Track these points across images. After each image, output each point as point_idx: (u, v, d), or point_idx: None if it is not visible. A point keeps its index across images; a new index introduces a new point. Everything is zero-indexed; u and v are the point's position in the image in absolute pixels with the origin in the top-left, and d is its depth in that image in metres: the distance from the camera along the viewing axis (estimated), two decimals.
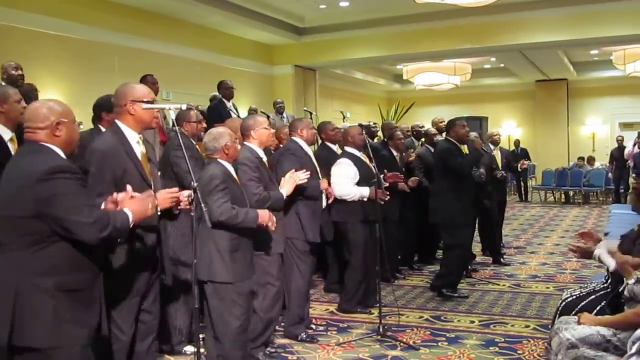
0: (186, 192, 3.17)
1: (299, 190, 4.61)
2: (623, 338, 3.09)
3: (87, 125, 4.74)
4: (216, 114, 7.67)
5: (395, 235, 6.62)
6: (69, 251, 2.53)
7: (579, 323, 3.32)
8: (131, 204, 2.68)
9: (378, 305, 5.21)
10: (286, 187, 4.40)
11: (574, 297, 3.99)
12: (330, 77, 17.40)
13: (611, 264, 3.56)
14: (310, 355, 4.69)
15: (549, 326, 4.30)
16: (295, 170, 4.52)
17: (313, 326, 5.33)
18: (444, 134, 7.86)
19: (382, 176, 5.91)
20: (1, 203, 2.54)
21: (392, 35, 13.86)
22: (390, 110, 17.23)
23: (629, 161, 14.01)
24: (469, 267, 7.27)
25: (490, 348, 4.77)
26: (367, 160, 5.65)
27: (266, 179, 4.38)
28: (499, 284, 6.92)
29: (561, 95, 19.99)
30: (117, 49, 10.28)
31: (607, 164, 16.38)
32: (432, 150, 7.45)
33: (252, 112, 9.41)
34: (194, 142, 4.76)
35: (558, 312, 3.97)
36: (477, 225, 7.99)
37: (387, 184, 5.90)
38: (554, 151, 19.35)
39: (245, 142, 4.44)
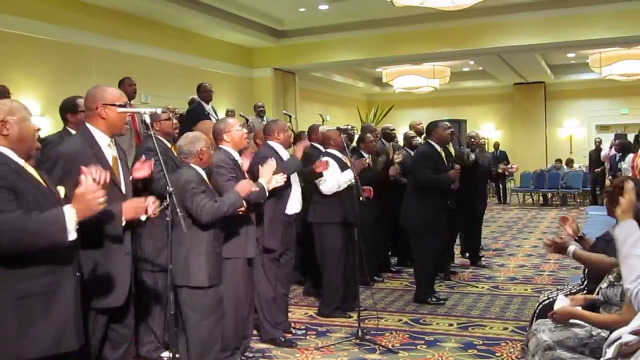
0: (151, 199, 3.07)
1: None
2: (599, 340, 3.10)
3: (58, 126, 4.69)
4: (195, 117, 7.62)
5: (372, 238, 6.60)
6: (17, 257, 2.38)
7: (552, 317, 3.32)
8: (76, 200, 2.44)
9: (357, 309, 5.20)
10: (265, 176, 4.32)
11: (551, 299, 4.01)
12: (309, 80, 17.39)
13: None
14: None
15: (527, 328, 4.32)
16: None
17: (292, 330, 5.31)
18: (422, 137, 7.91)
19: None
20: None
21: (371, 38, 13.88)
22: (370, 114, 17.26)
23: (605, 163, 14.19)
24: (449, 269, 7.30)
25: (469, 351, 4.78)
26: (347, 162, 5.65)
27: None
28: (477, 287, 6.95)
29: (539, 98, 20.18)
30: (95, 52, 10.17)
31: (586, 166, 16.55)
32: (412, 153, 7.48)
33: (229, 113, 9.38)
34: (169, 144, 4.63)
35: (535, 314, 3.99)
36: (458, 228, 8.06)
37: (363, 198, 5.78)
38: (532, 153, 19.51)
39: (219, 146, 4.42)
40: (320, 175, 5.42)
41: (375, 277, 7.16)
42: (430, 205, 6.02)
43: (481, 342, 4.96)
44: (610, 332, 2.52)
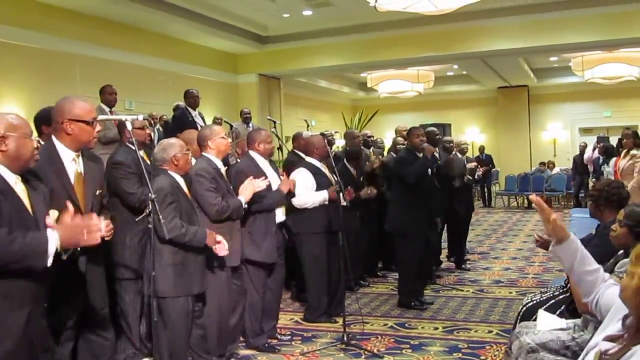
0: (104, 221, 2.65)
1: (257, 200, 4.58)
2: (582, 343, 3.13)
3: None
4: (180, 123, 7.61)
5: (357, 242, 6.61)
6: None
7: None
8: (63, 229, 2.40)
9: (342, 314, 5.20)
10: (245, 193, 4.36)
11: (535, 302, 4.04)
12: (294, 86, 17.41)
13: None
14: None
15: (511, 331, 4.34)
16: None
17: (278, 336, 5.30)
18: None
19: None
20: None
21: (355, 44, 13.93)
22: (354, 118, 17.30)
23: (589, 166, 14.30)
24: (434, 273, 7.32)
25: (454, 354, 4.79)
26: (327, 171, 5.65)
27: (224, 189, 4.35)
28: (462, 290, 6.97)
29: (522, 101, 20.33)
30: (78, 59, 10.13)
31: (569, 169, 16.67)
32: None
33: (216, 121, 9.38)
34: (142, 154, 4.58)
35: (519, 317, 4.01)
36: (445, 232, 8.10)
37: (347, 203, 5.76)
38: (516, 157, 19.64)
39: (203, 153, 4.41)
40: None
41: (361, 282, 7.17)
42: (412, 210, 6.04)
43: (466, 346, 4.98)
44: (591, 337, 2.53)
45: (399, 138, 8.21)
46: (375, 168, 7.28)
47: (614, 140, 12.72)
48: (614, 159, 9.72)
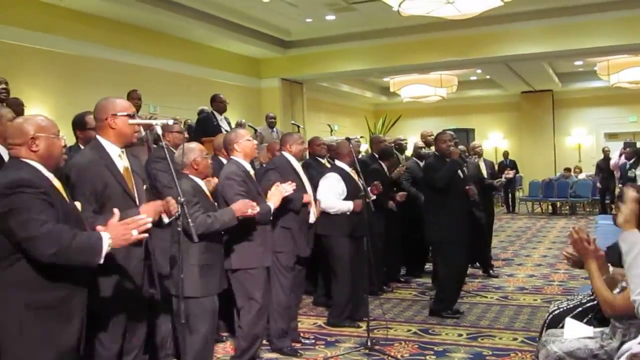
0: (169, 198, 3.10)
1: (284, 203, 4.59)
2: (610, 351, 3.08)
3: (70, 140, 4.73)
4: (204, 127, 7.66)
5: (381, 248, 6.60)
6: (36, 267, 2.48)
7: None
8: (112, 229, 2.55)
9: (366, 319, 5.19)
10: (273, 199, 4.37)
11: (561, 309, 3.99)
12: (317, 90, 17.44)
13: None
14: None
15: (537, 339, 4.30)
16: (281, 183, 4.51)
17: (301, 339, 5.30)
18: (432, 147, 7.91)
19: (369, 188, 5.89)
20: None
21: (378, 48, 13.92)
22: (378, 123, 17.27)
23: (615, 171, 14.11)
24: None
25: None
26: (355, 176, 5.66)
27: (254, 193, 4.35)
28: (486, 297, 6.91)
29: (546, 106, 20.15)
30: (104, 64, 10.27)
31: (593, 175, 16.47)
32: (420, 163, 7.50)
33: (239, 125, 9.42)
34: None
35: (545, 325, 3.96)
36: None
37: (374, 197, 5.87)
38: (540, 162, 19.46)
39: (231, 156, 4.45)
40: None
41: (384, 287, 7.14)
42: (450, 217, 5.88)
43: (490, 353, 4.93)
44: (621, 344, 2.50)
45: (419, 142, 8.18)
46: (402, 174, 7.23)
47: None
48: None
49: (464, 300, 6.74)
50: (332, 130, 9.92)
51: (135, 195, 3.28)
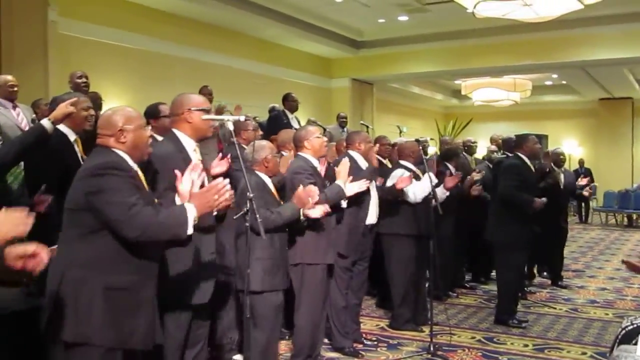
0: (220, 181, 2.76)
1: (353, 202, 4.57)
2: None
3: None
4: (275, 125, 7.73)
5: (448, 252, 6.49)
6: (114, 248, 2.56)
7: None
8: (195, 198, 2.62)
9: (429, 323, 5.11)
10: (341, 176, 4.37)
11: (635, 325, 3.82)
12: (387, 91, 17.36)
13: None
14: None
15: (607, 355, 4.14)
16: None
17: (363, 340, 5.27)
18: (501, 151, 7.75)
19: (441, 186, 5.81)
20: (66, 198, 2.65)
21: (451, 50, 13.75)
22: (448, 126, 17.05)
23: None
24: (525, 289, 7.09)
25: None
26: (420, 175, 5.59)
27: (320, 188, 4.36)
28: (555, 308, 6.71)
29: (626, 114, 19.36)
30: (178, 60, 10.53)
31: None
32: (490, 166, 7.35)
33: (310, 123, 9.47)
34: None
35: (618, 340, 3.80)
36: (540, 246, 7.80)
37: (447, 193, 5.75)
38: (616, 172, 18.70)
39: (299, 153, 4.47)
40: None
41: (449, 293, 7.03)
42: (515, 222, 5.74)
43: None
44: None
45: (493, 146, 8.02)
46: (475, 181, 7.03)
47: None
48: None
49: (531, 310, 6.57)
50: (400, 132, 9.80)
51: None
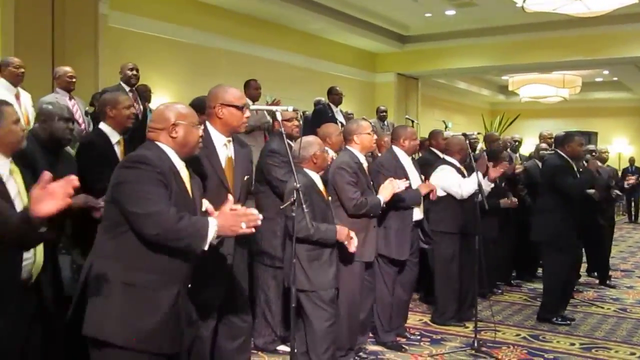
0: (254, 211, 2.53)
1: (395, 200, 4.53)
2: None
3: None
4: (319, 118, 7.75)
5: (495, 250, 6.41)
6: (135, 244, 2.49)
7: None
8: (222, 217, 2.49)
9: (474, 319, 5.07)
10: (384, 193, 4.31)
11: None
12: (432, 86, 17.23)
13: None
14: None
15: None
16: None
17: (407, 335, 5.26)
18: (551, 149, 7.59)
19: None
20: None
21: (498, 45, 13.56)
22: (494, 122, 16.83)
23: None
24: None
25: None
26: (466, 173, 5.53)
27: (364, 185, 4.34)
28: (603, 307, 6.58)
29: None
30: (224, 54, 10.66)
31: None
32: (540, 165, 7.22)
33: (348, 116, 9.46)
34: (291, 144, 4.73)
35: None
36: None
37: (492, 185, 5.66)
38: None
39: (346, 146, 4.45)
40: None
41: (495, 290, 6.96)
42: (562, 220, 5.63)
43: None
44: None
45: (543, 144, 7.89)
46: (518, 173, 6.98)
47: None
48: None
49: (578, 309, 6.45)
50: (446, 127, 9.74)
51: (230, 186, 3.25)
